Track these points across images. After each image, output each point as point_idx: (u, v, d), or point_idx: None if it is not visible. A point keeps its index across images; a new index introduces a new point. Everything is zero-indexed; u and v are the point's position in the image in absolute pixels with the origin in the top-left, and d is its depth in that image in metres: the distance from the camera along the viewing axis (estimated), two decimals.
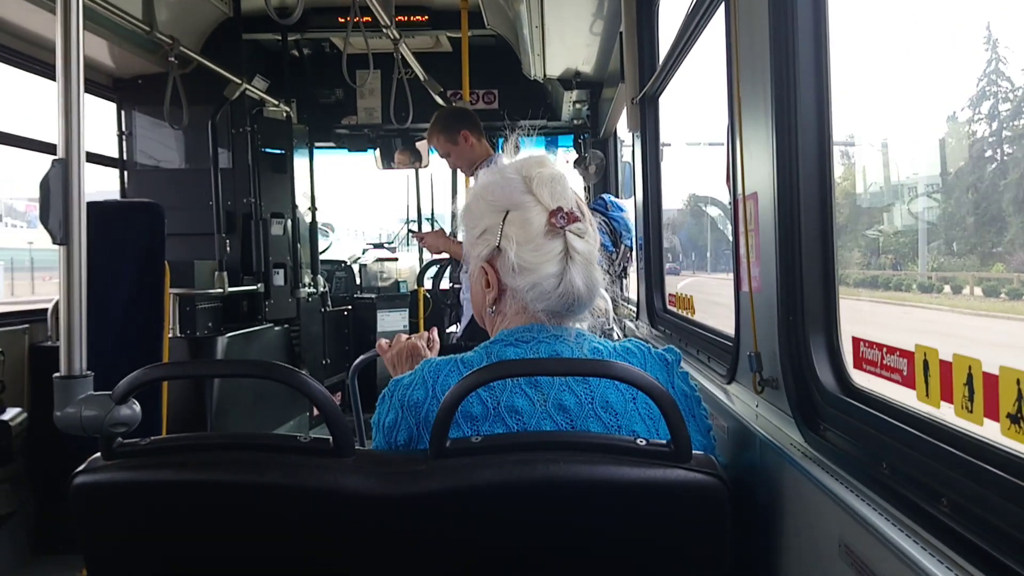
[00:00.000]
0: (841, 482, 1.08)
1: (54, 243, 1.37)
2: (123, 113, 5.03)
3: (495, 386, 1.32)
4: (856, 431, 1.11)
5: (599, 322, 1.49)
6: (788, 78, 1.31)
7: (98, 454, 1.25)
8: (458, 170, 5.25)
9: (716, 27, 2.12)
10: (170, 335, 3.86)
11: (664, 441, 1.20)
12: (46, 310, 3.76)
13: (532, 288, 1.35)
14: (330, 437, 1.23)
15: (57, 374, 1.39)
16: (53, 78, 1.43)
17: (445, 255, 5.13)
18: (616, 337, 1.50)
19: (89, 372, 1.40)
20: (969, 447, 0.86)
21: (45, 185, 1.36)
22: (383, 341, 1.91)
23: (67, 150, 1.37)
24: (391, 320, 6.45)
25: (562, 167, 1.48)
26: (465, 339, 4.03)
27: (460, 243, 4.06)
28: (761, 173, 1.42)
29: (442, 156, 4.23)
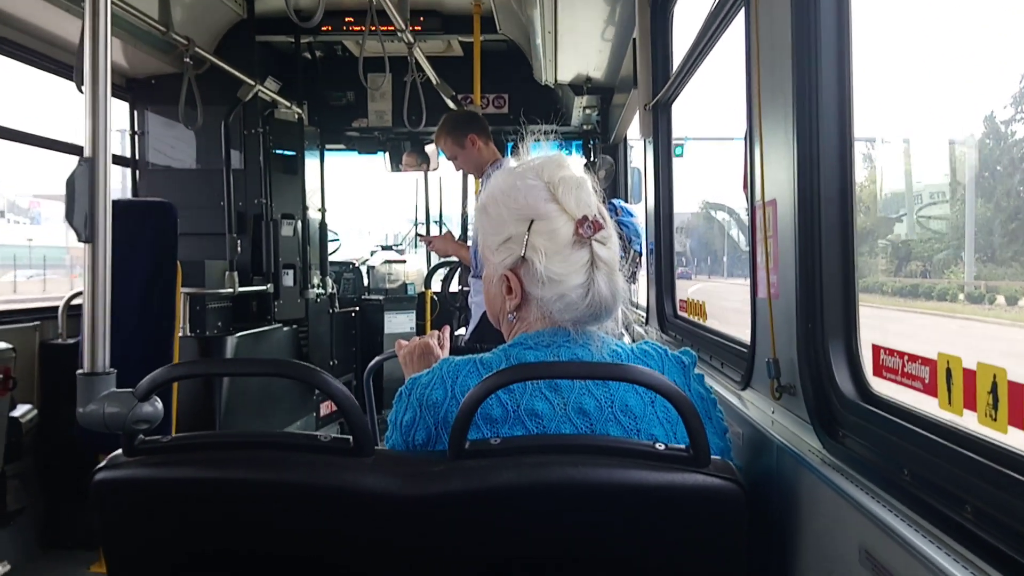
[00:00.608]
0: (861, 488, 1.08)
1: (79, 241, 1.38)
2: (136, 113, 5.05)
3: (515, 389, 1.32)
4: (876, 437, 1.12)
5: (608, 326, 1.50)
6: (810, 83, 1.31)
7: (119, 451, 1.26)
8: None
9: (733, 34, 2.13)
10: (180, 334, 3.87)
11: (683, 446, 1.21)
12: (57, 307, 3.77)
13: (559, 299, 1.34)
14: (349, 437, 1.24)
15: (80, 370, 1.40)
16: (70, 78, 1.45)
17: (453, 258, 5.14)
18: (628, 341, 1.50)
19: (112, 369, 1.41)
20: (993, 454, 0.86)
21: (71, 184, 1.37)
22: (403, 341, 1.92)
23: (93, 149, 1.38)
24: (398, 322, 6.46)
25: (578, 167, 1.47)
26: (473, 342, 4.04)
27: (468, 247, 4.08)
28: (781, 179, 1.43)
29: (449, 159, 4.25)
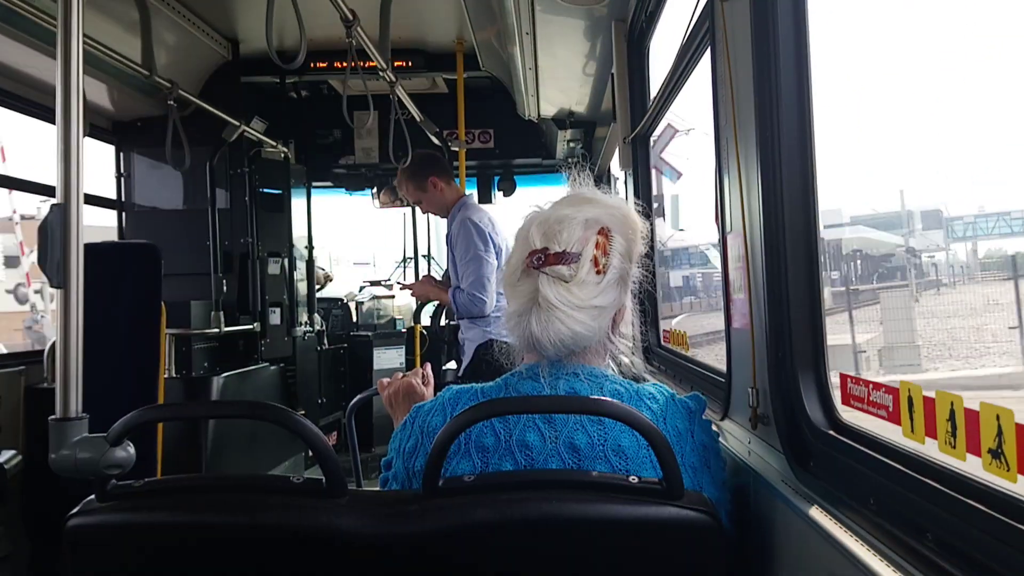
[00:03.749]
0: (831, 517, 1.09)
1: (51, 286, 1.39)
2: (122, 155, 5.08)
3: (509, 418, 1.33)
4: (844, 467, 1.12)
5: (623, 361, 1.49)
6: (772, 118, 1.34)
7: (92, 496, 1.26)
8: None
9: (704, 69, 2.17)
10: (165, 375, 3.86)
11: (656, 479, 1.21)
12: (43, 351, 3.76)
13: (507, 320, 1.38)
14: (322, 478, 1.24)
15: (52, 416, 1.39)
16: (53, 121, 1.46)
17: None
18: (613, 370, 1.49)
19: (84, 414, 1.41)
20: (952, 482, 0.87)
21: (44, 229, 1.38)
22: (384, 380, 1.92)
23: (66, 194, 1.39)
24: (388, 357, 6.45)
25: (604, 208, 1.39)
26: (467, 377, 4.01)
27: (447, 290, 4.07)
28: (748, 210, 1.45)
29: (414, 203, 4.24)
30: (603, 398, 1.28)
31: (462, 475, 1.26)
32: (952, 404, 0.89)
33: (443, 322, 5.94)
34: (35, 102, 4.01)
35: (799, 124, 1.31)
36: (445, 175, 4.11)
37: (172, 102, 4.05)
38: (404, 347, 6.51)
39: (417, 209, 7.13)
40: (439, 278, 4.69)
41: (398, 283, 7.04)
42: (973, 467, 0.85)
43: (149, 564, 1.25)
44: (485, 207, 4.32)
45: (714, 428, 1.45)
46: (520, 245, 1.37)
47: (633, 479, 1.21)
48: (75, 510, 1.24)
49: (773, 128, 1.33)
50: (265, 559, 1.22)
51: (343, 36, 3.33)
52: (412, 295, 4.50)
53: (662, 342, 3.10)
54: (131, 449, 1.31)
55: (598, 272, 1.32)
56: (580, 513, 1.18)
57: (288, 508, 1.21)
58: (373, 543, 1.19)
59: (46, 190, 4.07)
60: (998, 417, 0.80)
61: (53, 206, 1.38)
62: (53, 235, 1.38)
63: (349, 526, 1.19)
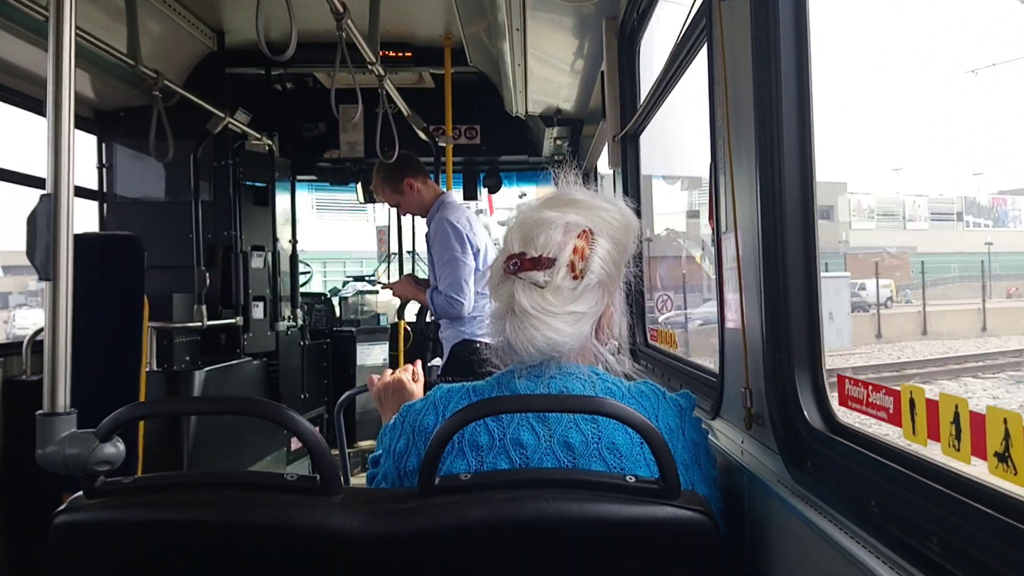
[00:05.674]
0: (829, 519, 1.09)
1: (40, 279, 1.36)
2: (104, 145, 5.01)
3: (503, 417, 1.32)
4: (843, 468, 1.12)
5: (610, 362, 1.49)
6: (771, 115, 1.33)
7: (80, 493, 1.23)
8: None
9: (698, 67, 2.16)
10: (147, 369, 3.81)
11: (653, 478, 1.21)
12: (21, 343, 3.70)
13: (488, 321, 1.39)
14: (316, 475, 1.22)
15: (40, 411, 1.37)
16: (38, 111, 1.43)
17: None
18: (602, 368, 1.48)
19: (73, 409, 1.38)
20: (958, 485, 0.87)
21: (32, 220, 1.35)
22: (375, 376, 1.91)
23: (55, 185, 1.36)
24: (371, 353, 6.41)
25: (590, 210, 1.37)
26: (445, 375, 3.99)
27: (426, 291, 4.05)
28: (745, 209, 1.45)
29: (392, 207, 4.22)
30: (601, 397, 1.28)
31: (458, 474, 1.25)
32: (956, 407, 0.89)
33: (428, 318, 5.93)
34: (20, 92, 3.95)
35: (799, 124, 1.31)
36: (420, 175, 4.08)
37: (157, 92, 4.00)
38: (388, 343, 6.48)
39: None
40: (424, 275, 4.67)
41: (380, 283, 7.01)
42: (979, 471, 0.86)
43: (139, 562, 1.23)
44: (468, 203, 4.29)
45: (704, 426, 1.45)
46: (504, 247, 1.37)
47: (630, 478, 1.21)
48: (62, 507, 1.22)
49: (773, 128, 1.33)
50: (259, 557, 1.21)
51: (331, 28, 3.30)
52: (393, 294, 4.49)
53: (649, 341, 3.10)
54: (121, 445, 1.29)
55: (575, 277, 1.31)
56: (577, 512, 1.18)
57: (282, 506, 1.20)
58: (369, 541, 1.17)
59: (35, 181, 4.01)
60: (1005, 421, 0.81)
61: (42, 196, 1.35)
62: (42, 226, 1.35)
63: (344, 524, 1.18)
